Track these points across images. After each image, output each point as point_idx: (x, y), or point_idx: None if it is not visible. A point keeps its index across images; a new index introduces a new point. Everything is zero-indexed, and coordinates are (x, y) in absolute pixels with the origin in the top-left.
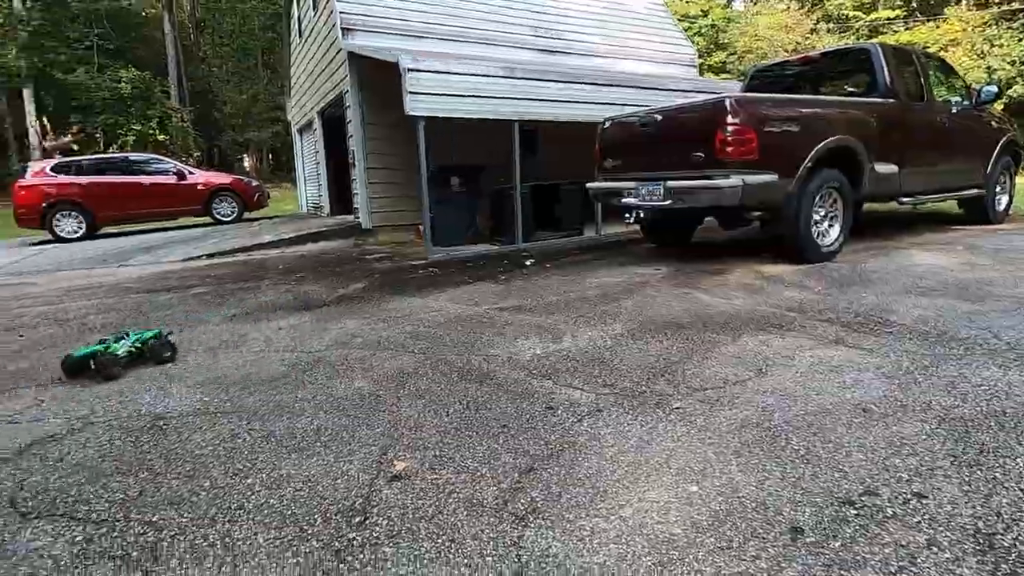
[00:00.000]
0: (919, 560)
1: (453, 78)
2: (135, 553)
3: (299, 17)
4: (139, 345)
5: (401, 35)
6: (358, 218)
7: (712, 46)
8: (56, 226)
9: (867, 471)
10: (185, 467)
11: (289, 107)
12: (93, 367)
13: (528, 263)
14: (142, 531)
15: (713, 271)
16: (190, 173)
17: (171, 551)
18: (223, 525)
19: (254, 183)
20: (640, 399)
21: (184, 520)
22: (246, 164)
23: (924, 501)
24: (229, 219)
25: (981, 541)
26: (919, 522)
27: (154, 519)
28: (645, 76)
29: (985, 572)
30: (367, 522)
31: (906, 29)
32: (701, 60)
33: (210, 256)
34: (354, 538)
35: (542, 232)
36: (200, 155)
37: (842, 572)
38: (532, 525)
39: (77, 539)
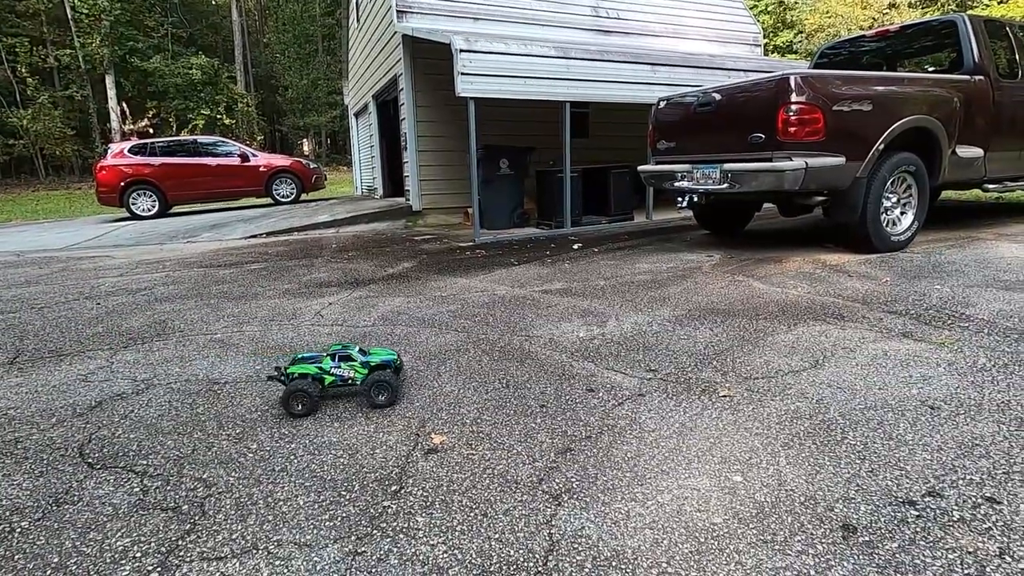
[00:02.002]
0: (988, 570)
1: (505, 58)
2: (185, 507)
3: (357, 2)
4: (364, 372)
5: (456, 16)
6: (409, 200)
7: (779, 24)
8: (132, 204)
9: (932, 471)
10: (235, 430)
11: (346, 92)
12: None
13: (575, 247)
14: (193, 487)
15: (770, 259)
16: (253, 155)
17: (218, 506)
18: (267, 486)
19: (312, 165)
20: (685, 385)
21: (232, 479)
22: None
23: (997, 507)
24: (288, 200)
25: None
26: (990, 528)
27: (204, 476)
28: (705, 56)
29: None
30: (402, 491)
31: (1000, 3)
32: (767, 40)
33: (268, 235)
34: (388, 506)
35: (590, 216)
36: (263, 138)
37: (897, 575)
38: (566, 505)
39: (135, 490)
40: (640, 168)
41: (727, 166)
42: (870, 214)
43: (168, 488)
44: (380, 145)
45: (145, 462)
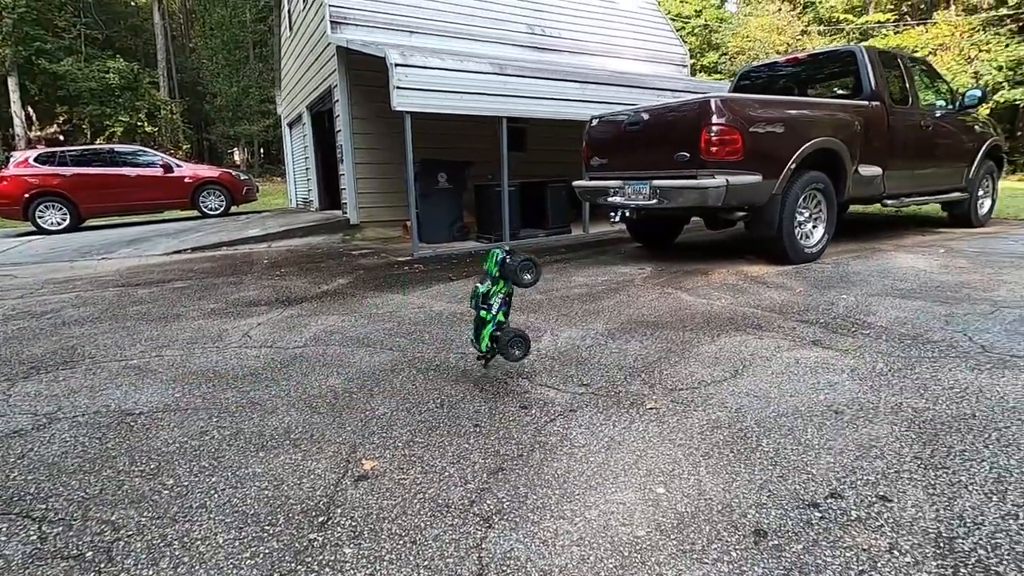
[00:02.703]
0: (879, 564)
1: (441, 74)
2: (89, 554)
3: (289, 10)
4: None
5: (392, 29)
6: (346, 213)
7: (705, 46)
8: (39, 217)
9: (834, 474)
10: (150, 465)
11: (279, 100)
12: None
13: None
14: (99, 530)
15: (697, 271)
16: (177, 166)
17: (127, 551)
18: (183, 524)
19: (242, 177)
20: (615, 399)
21: (144, 519)
22: (236, 158)
23: (888, 504)
24: (216, 213)
25: (942, 545)
26: (882, 526)
27: (112, 518)
28: (635, 75)
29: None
30: (330, 522)
31: (896, 33)
32: (694, 60)
33: (194, 250)
34: (315, 539)
35: (529, 230)
36: (190, 148)
37: None
38: (496, 526)
39: (32, 538)
40: (575, 183)
41: (656, 183)
42: (786, 228)
43: (70, 534)
44: (315, 156)
45: (44, 506)
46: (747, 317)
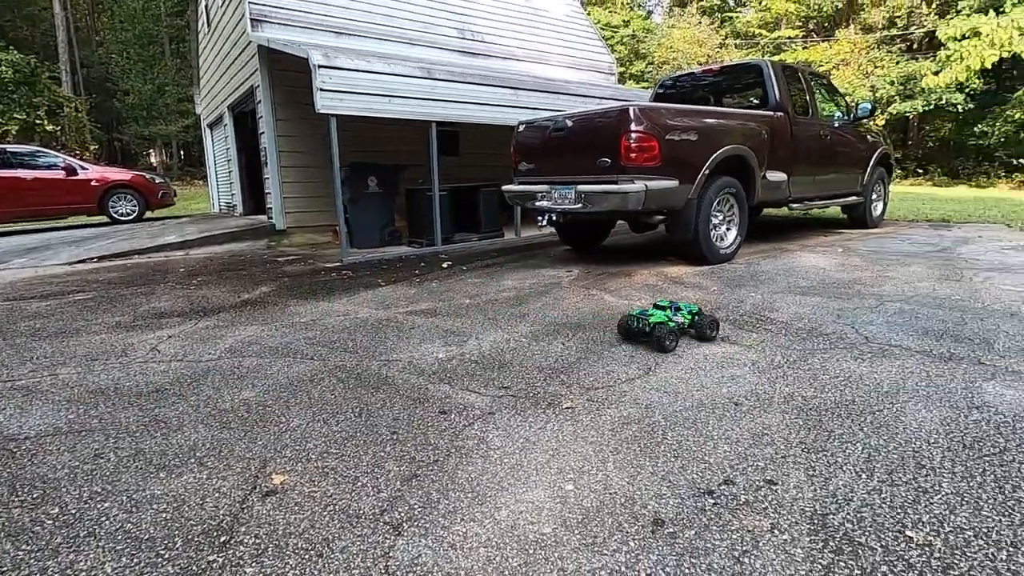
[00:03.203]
0: (761, 544)
1: (367, 76)
2: None
3: (207, 5)
4: (689, 317)
5: (317, 30)
6: (272, 218)
7: (633, 56)
8: None
9: (729, 462)
10: (33, 494)
11: (199, 100)
12: (649, 333)
13: (445, 265)
14: None
15: (621, 273)
16: (82, 168)
17: None
18: (67, 556)
19: (158, 180)
20: (533, 400)
21: (21, 554)
22: (152, 160)
23: (774, 487)
24: (128, 219)
25: (816, 522)
26: (766, 508)
27: None
28: (565, 82)
29: (815, 549)
30: (232, 541)
31: (804, 48)
32: (623, 69)
33: (101, 259)
34: (214, 560)
35: (462, 234)
36: (99, 149)
37: (692, 560)
38: (406, 534)
39: None
40: (504, 188)
41: (581, 187)
42: (702, 231)
43: None
44: (239, 159)
45: None
46: None
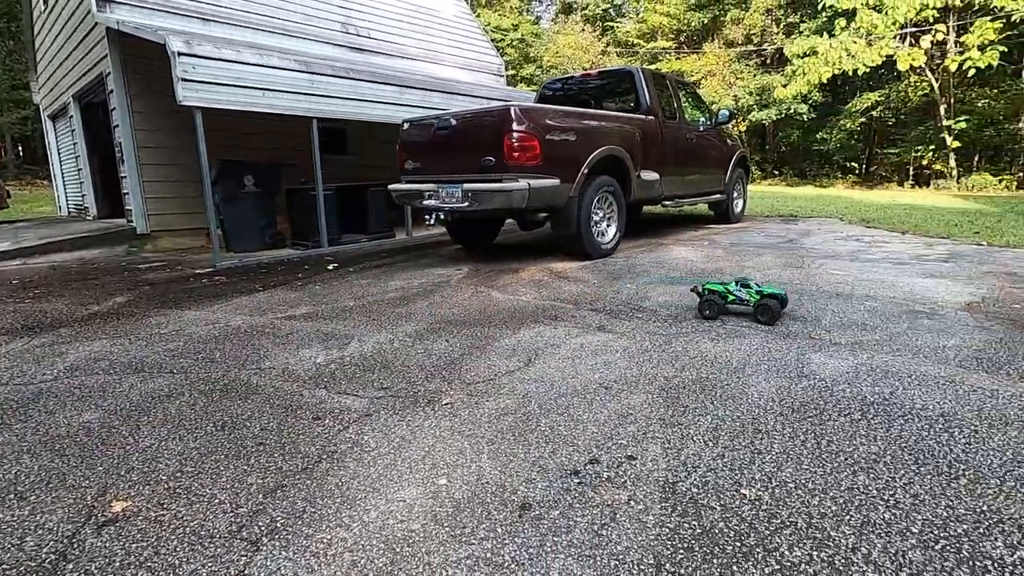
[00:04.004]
0: (618, 515)
1: (237, 67)
2: None
3: None
4: (756, 296)
5: (179, 14)
6: (132, 222)
7: (523, 59)
8: None
9: (596, 442)
10: None
11: (35, 88)
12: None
13: (331, 267)
14: None
15: (509, 270)
16: None
17: None
18: None
19: None
20: (412, 399)
21: None
22: None
23: (633, 462)
24: None
25: (667, 490)
26: (625, 482)
27: None
28: (453, 82)
29: (664, 515)
30: None
31: (677, 59)
32: (514, 71)
33: None
34: None
35: (351, 235)
36: None
37: (555, 538)
38: (264, 548)
39: None
40: (391, 187)
41: (467, 186)
42: (583, 227)
43: None
44: (89, 156)
45: None
46: (546, 310)
